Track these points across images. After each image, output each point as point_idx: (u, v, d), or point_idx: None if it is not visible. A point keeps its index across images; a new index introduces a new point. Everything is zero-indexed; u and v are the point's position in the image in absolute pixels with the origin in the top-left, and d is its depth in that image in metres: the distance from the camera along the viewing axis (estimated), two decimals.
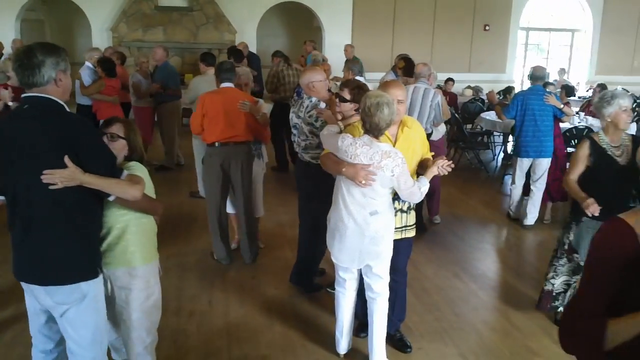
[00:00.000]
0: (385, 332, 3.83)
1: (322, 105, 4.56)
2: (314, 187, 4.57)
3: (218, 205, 5.33)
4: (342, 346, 3.95)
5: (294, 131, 4.74)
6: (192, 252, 5.71)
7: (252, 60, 10.78)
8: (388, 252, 3.65)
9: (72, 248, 2.67)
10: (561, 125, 7.08)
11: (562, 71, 14.37)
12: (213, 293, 4.85)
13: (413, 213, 3.89)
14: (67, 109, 2.70)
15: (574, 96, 12.58)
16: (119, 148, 2.89)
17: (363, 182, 3.39)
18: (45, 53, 2.63)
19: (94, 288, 2.75)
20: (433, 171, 3.60)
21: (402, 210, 3.80)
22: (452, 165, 3.63)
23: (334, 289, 4.01)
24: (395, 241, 3.73)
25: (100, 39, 12.95)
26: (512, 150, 7.23)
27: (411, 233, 3.92)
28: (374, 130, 3.38)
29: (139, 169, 2.89)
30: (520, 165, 6.69)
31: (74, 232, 2.67)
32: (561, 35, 16.82)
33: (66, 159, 2.52)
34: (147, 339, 3.08)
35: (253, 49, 13.60)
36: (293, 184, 7.84)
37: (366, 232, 3.53)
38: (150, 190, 2.96)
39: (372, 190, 3.45)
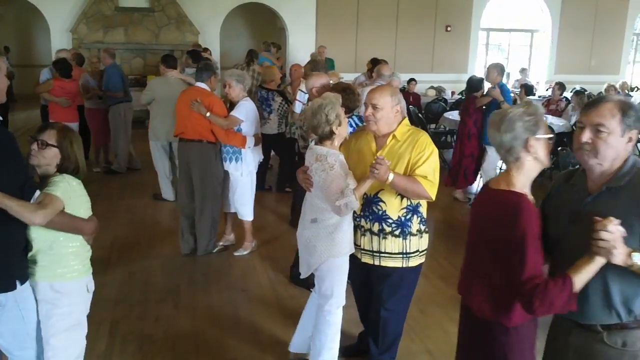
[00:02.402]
0: (324, 352, 3.52)
1: None
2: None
3: (183, 199, 5.60)
4: (293, 343, 3.85)
5: (301, 132, 4.97)
6: (156, 255, 5.63)
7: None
8: (323, 268, 3.41)
9: None
10: None
11: (523, 70, 14.65)
12: (179, 297, 4.80)
13: (403, 241, 3.35)
14: None
15: (534, 95, 12.85)
16: (50, 156, 2.73)
17: (303, 184, 3.36)
18: None
19: (12, 299, 2.67)
20: (365, 182, 3.17)
21: (372, 232, 3.37)
22: (386, 161, 3.09)
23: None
24: (372, 267, 3.43)
25: (60, 40, 12.68)
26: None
27: (395, 262, 3.37)
28: (312, 132, 3.35)
29: (61, 186, 2.66)
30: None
31: None
32: (521, 35, 17.16)
33: None
34: None
35: (216, 50, 13.53)
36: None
37: (302, 238, 3.49)
38: (81, 205, 2.78)
39: (316, 195, 3.32)
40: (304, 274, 3.57)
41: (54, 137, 2.74)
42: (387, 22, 14.87)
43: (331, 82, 6.11)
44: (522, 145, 2.22)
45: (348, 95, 4.24)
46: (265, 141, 6.62)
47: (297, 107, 6.55)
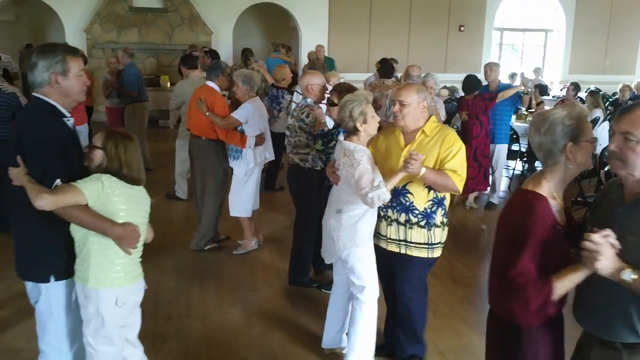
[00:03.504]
0: (360, 344, 3.60)
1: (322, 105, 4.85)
2: (302, 190, 4.82)
3: (194, 192, 5.89)
4: (323, 340, 3.96)
5: (287, 132, 4.94)
6: (169, 254, 5.66)
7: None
8: (350, 256, 3.52)
9: (28, 246, 2.77)
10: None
11: (537, 70, 14.53)
12: (191, 296, 4.82)
13: (428, 232, 3.49)
14: (62, 111, 2.77)
15: (548, 95, 12.77)
16: (97, 158, 2.75)
17: (330, 178, 3.55)
18: (39, 55, 2.72)
19: (45, 292, 2.79)
20: (397, 175, 3.28)
21: (398, 222, 3.50)
22: (420, 155, 3.19)
23: (329, 289, 4.07)
24: (397, 256, 3.56)
25: (74, 40, 12.75)
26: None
27: (420, 252, 3.52)
28: (344, 127, 3.49)
29: (89, 182, 2.64)
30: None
31: (28, 231, 2.74)
32: (535, 35, 17.04)
33: (18, 158, 2.62)
34: None
35: (229, 49, 13.56)
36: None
37: (326, 227, 3.63)
38: (114, 207, 2.71)
39: (342, 189, 3.50)
40: (327, 261, 3.74)
41: (100, 140, 2.78)
42: (400, 22, 14.83)
43: (331, 82, 6.14)
44: (561, 150, 2.16)
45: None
46: (276, 140, 6.64)
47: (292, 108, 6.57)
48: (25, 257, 2.81)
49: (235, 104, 5.71)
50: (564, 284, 2.05)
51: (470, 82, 7.36)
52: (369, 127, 3.46)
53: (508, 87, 7.53)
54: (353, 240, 3.50)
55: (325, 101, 4.93)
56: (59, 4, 12.98)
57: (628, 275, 1.91)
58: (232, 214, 5.70)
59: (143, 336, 4.05)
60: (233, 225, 5.98)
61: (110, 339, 2.80)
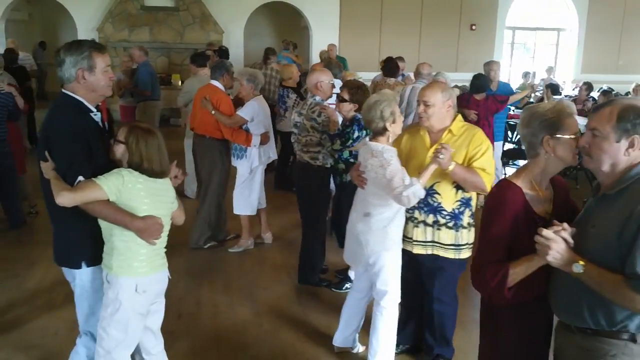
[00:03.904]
0: (382, 349, 3.57)
1: (331, 101, 4.85)
2: (312, 188, 4.78)
3: (198, 190, 5.98)
4: (335, 338, 3.94)
5: (295, 130, 4.91)
6: (179, 253, 5.66)
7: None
8: (378, 260, 3.47)
9: (62, 236, 2.92)
10: None
11: (550, 69, 14.43)
12: (201, 294, 4.83)
13: (456, 233, 3.45)
14: (88, 107, 2.85)
15: (560, 95, 12.67)
16: (119, 152, 2.82)
17: (356, 182, 3.47)
18: (66, 51, 2.80)
19: (78, 277, 2.93)
20: (429, 169, 3.25)
21: (426, 223, 3.45)
22: (449, 147, 3.17)
23: (339, 288, 4.15)
24: (424, 260, 3.51)
25: (86, 39, 12.82)
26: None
27: (447, 254, 3.47)
28: (367, 127, 3.45)
29: (110, 177, 2.70)
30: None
31: (62, 222, 2.88)
32: (547, 34, 16.94)
33: (46, 153, 2.73)
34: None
35: (240, 48, 13.59)
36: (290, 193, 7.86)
37: (354, 231, 3.54)
38: (136, 201, 2.76)
39: (369, 191, 3.43)
40: (353, 266, 3.72)
41: (123, 134, 2.82)
42: (411, 21, 14.80)
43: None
44: (540, 142, 2.27)
45: (364, 92, 4.41)
46: (285, 139, 6.63)
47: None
48: (59, 244, 2.95)
49: (237, 103, 5.73)
50: (518, 271, 2.17)
51: (480, 82, 7.25)
52: (397, 126, 3.45)
53: (507, 86, 7.45)
54: (383, 244, 3.45)
55: (332, 98, 4.94)
56: (72, 3, 13.07)
57: (578, 267, 2.00)
58: (235, 212, 5.73)
59: None
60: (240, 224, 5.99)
61: (123, 325, 2.85)
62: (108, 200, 2.68)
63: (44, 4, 14.34)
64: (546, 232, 2.04)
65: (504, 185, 2.32)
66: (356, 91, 4.20)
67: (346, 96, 4.20)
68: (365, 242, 3.47)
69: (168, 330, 4.21)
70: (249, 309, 4.60)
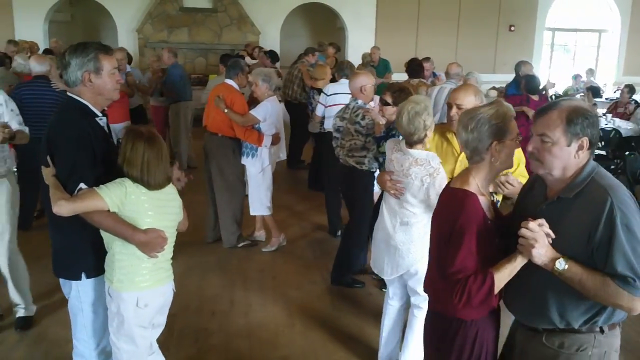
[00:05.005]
0: (416, 349, 3.48)
1: (372, 104, 4.85)
2: (359, 192, 4.78)
3: (207, 188, 5.93)
4: (380, 355, 3.80)
5: (337, 135, 4.93)
6: (212, 251, 5.74)
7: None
8: (420, 268, 3.37)
9: (61, 244, 2.83)
10: None
11: (590, 71, 14.13)
12: (234, 293, 4.88)
13: None
14: (94, 111, 2.77)
15: (600, 97, 12.41)
16: (120, 156, 2.68)
17: (391, 192, 3.36)
18: (72, 53, 2.71)
19: (75, 289, 2.84)
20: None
21: None
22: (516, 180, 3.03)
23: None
24: None
25: (127, 39, 13.09)
26: None
27: None
28: (406, 137, 3.31)
29: (111, 187, 2.58)
30: None
31: (61, 230, 2.78)
32: (588, 35, 16.58)
33: (48, 158, 2.65)
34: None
35: (276, 49, 13.65)
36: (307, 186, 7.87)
37: (391, 241, 3.44)
38: (139, 214, 2.64)
39: (406, 200, 3.34)
40: (390, 276, 3.54)
41: (123, 136, 2.71)
42: (448, 22, 14.66)
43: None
44: (487, 148, 2.22)
45: (406, 95, 4.28)
46: (320, 139, 6.63)
47: (319, 110, 6.58)
48: (58, 253, 2.86)
49: (252, 102, 5.77)
50: (503, 275, 2.10)
51: (536, 82, 7.15)
52: (431, 132, 3.39)
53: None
54: (423, 251, 3.30)
55: (372, 102, 4.92)
56: (113, 4, 13.33)
57: (561, 264, 1.99)
58: (252, 213, 5.77)
59: (188, 330, 4.14)
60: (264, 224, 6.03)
61: (130, 338, 2.78)
62: (109, 210, 2.57)
63: (86, 5, 14.63)
64: (532, 225, 2.00)
65: (462, 196, 2.23)
66: (399, 94, 4.10)
67: (389, 99, 4.12)
68: (406, 251, 3.40)
69: (202, 327, 4.28)
70: (281, 308, 4.62)
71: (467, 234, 2.13)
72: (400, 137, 3.56)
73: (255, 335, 4.21)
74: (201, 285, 4.96)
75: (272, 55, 9.18)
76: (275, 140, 5.55)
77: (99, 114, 2.80)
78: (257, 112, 5.42)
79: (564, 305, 2.09)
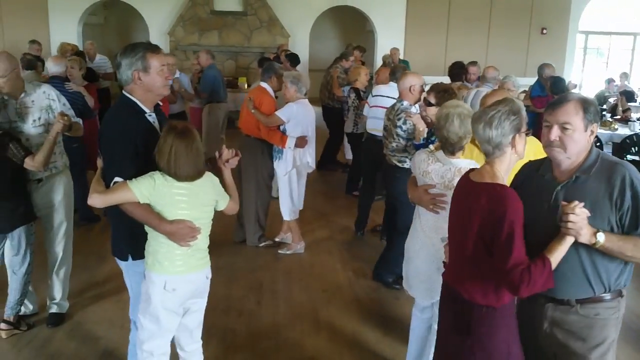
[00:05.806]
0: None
1: (413, 109, 4.78)
2: (400, 191, 4.69)
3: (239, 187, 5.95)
4: None
5: (384, 133, 5.00)
6: (241, 251, 5.78)
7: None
8: None
9: (114, 229, 3.08)
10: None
11: (624, 75, 13.86)
12: (262, 294, 4.90)
13: None
14: (142, 108, 2.92)
15: (635, 101, 12.16)
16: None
17: (431, 207, 3.15)
18: (122, 54, 2.90)
19: (125, 268, 3.10)
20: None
21: None
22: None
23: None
24: None
25: (159, 42, 13.18)
26: None
27: None
28: (445, 144, 3.14)
29: (141, 180, 2.73)
30: None
31: (113, 217, 3.00)
32: (622, 38, 16.28)
33: (99, 152, 2.91)
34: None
35: (305, 52, 13.70)
36: (337, 188, 7.87)
37: (434, 259, 3.18)
38: (166, 205, 2.77)
39: (444, 215, 3.01)
40: (428, 301, 3.38)
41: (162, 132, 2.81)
42: (479, 24, 14.54)
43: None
44: (509, 141, 2.39)
45: (451, 96, 4.20)
46: (355, 141, 6.63)
47: (365, 109, 6.73)
48: (113, 236, 3.09)
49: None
50: (556, 258, 2.27)
51: (563, 84, 7.06)
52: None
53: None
54: None
55: (416, 103, 4.87)
56: (145, 7, 13.54)
57: (602, 237, 2.25)
58: (287, 217, 5.80)
59: (215, 330, 4.17)
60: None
61: (156, 318, 2.88)
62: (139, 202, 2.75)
63: (118, 9, 14.88)
64: (579, 210, 2.22)
65: (502, 190, 2.35)
66: (443, 95, 3.96)
67: (433, 100, 3.99)
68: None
69: (229, 327, 4.31)
70: (308, 310, 4.63)
71: (517, 227, 2.26)
72: (431, 147, 3.48)
73: (282, 336, 4.22)
74: (229, 286, 4.99)
75: (292, 59, 9.07)
76: (301, 143, 5.55)
77: (148, 110, 2.96)
78: (281, 113, 5.45)
79: (595, 271, 2.37)
